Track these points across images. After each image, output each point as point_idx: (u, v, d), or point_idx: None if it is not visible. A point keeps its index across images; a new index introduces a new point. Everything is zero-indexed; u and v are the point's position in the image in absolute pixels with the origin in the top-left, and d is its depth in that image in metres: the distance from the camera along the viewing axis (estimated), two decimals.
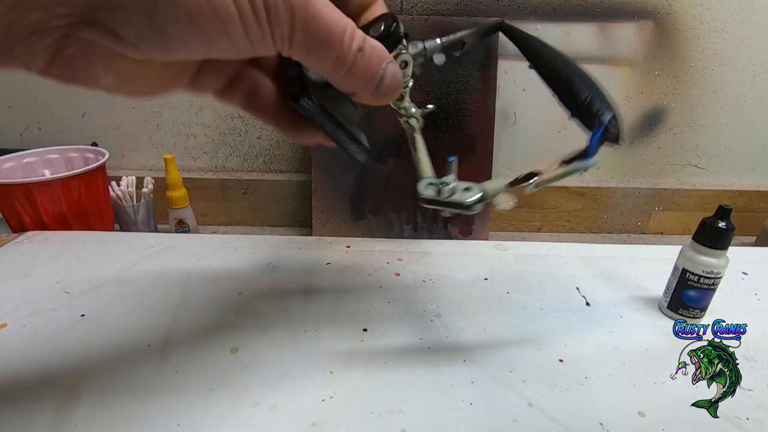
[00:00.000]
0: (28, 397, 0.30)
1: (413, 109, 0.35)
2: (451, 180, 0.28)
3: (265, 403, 0.30)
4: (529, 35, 0.45)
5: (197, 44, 0.18)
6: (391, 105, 0.34)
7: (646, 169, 0.75)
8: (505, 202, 0.29)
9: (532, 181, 0.30)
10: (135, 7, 0.16)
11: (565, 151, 0.74)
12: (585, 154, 0.30)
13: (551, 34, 0.65)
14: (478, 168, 0.64)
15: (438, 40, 0.46)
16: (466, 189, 0.29)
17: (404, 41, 0.28)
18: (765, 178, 0.76)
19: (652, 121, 0.71)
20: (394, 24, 0.24)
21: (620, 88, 0.68)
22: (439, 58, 0.46)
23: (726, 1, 0.64)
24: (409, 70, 0.29)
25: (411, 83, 0.31)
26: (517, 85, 0.68)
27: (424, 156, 0.33)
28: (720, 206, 0.36)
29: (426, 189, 0.29)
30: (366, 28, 0.24)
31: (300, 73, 0.24)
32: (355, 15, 0.25)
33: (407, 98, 0.35)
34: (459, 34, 0.49)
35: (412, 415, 0.30)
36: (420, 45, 0.43)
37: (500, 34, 0.46)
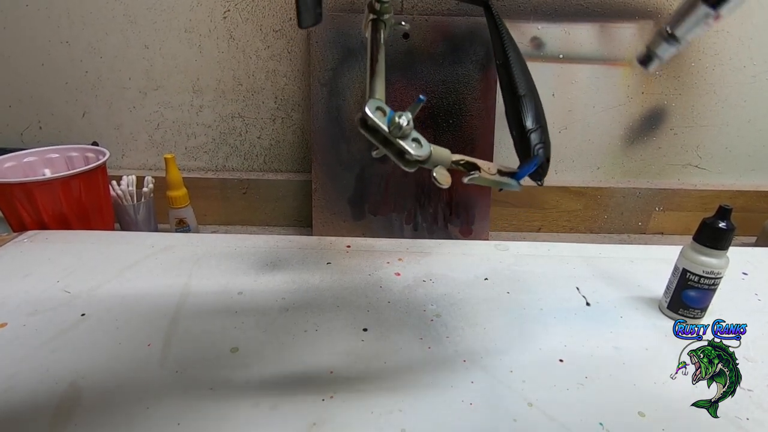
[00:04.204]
0: (28, 396, 0.30)
1: (388, 15, 0.33)
2: (408, 120, 0.25)
3: (265, 402, 0.30)
4: (510, 37, 0.45)
5: None
6: None
7: (646, 169, 0.75)
8: (444, 179, 0.27)
9: (472, 173, 0.29)
10: None
11: (564, 151, 0.74)
12: (514, 176, 0.32)
13: (552, 34, 0.65)
14: None
15: None
16: (416, 140, 0.25)
17: None
18: (765, 178, 0.76)
19: (652, 121, 0.71)
20: None
21: (621, 88, 0.68)
22: None
23: None
24: None
25: None
26: None
27: (381, 74, 0.29)
28: (720, 206, 0.36)
29: (375, 112, 0.25)
30: None
31: None
32: None
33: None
34: None
35: (412, 415, 0.30)
36: None
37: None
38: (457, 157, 0.29)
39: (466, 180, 0.30)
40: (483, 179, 0.30)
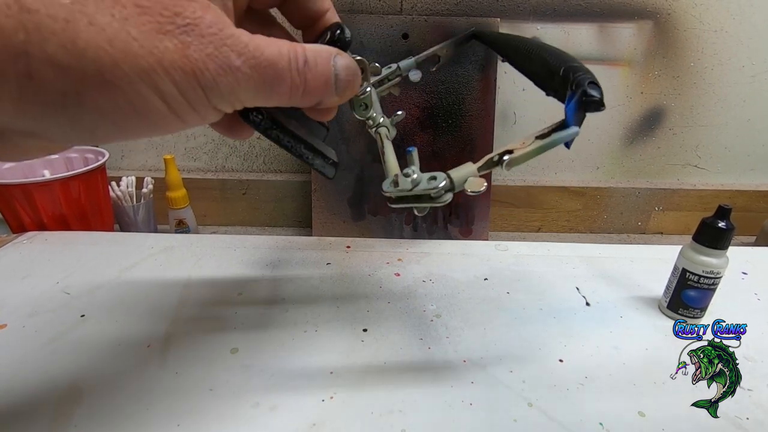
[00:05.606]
0: (28, 397, 0.30)
1: (381, 119, 0.34)
2: (413, 171, 0.26)
3: (265, 403, 0.30)
4: (502, 34, 0.44)
5: (130, 136, 0.18)
6: (356, 116, 0.32)
7: (645, 169, 0.75)
8: (477, 185, 0.26)
9: (505, 158, 0.26)
10: (58, 118, 0.16)
11: (564, 151, 0.74)
12: (563, 125, 0.27)
13: (551, 34, 0.65)
14: None
15: (412, 59, 0.46)
16: (432, 178, 0.26)
17: (371, 68, 0.27)
18: (765, 177, 0.76)
19: (651, 121, 0.71)
20: (338, 30, 0.24)
21: (620, 88, 0.68)
22: (414, 75, 0.46)
23: (726, 1, 0.64)
24: (367, 75, 0.27)
25: (369, 89, 0.29)
26: (517, 85, 0.68)
27: (391, 158, 0.31)
28: (720, 206, 0.36)
29: (390, 186, 0.27)
30: (317, 41, 0.25)
31: None
32: (307, 26, 0.25)
33: (374, 107, 0.33)
34: (432, 50, 0.50)
35: (412, 415, 0.30)
36: (394, 66, 0.43)
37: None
38: (482, 161, 0.27)
39: (505, 167, 0.27)
40: (524, 156, 0.27)
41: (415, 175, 0.26)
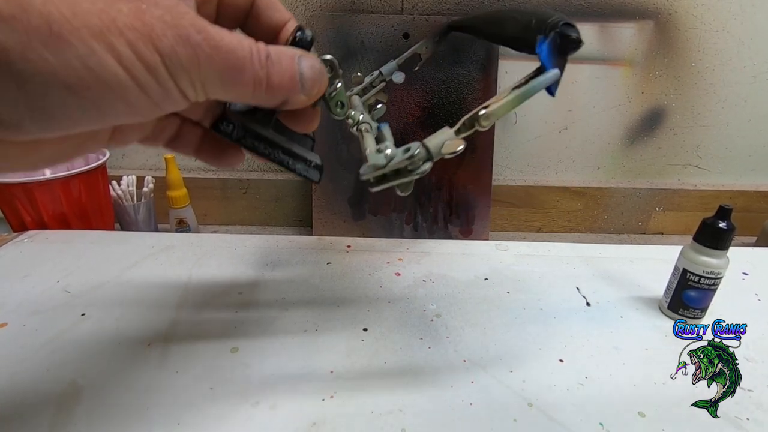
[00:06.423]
0: (28, 396, 0.30)
1: (361, 116, 0.33)
2: (386, 146, 0.25)
3: (265, 402, 0.31)
4: (475, 15, 0.44)
5: (91, 119, 0.16)
6: (335, 117, 0.31)
7: (646, 170, 0.75)
8: (453, 147, 0.25)
9: (481, 113, 0.25)
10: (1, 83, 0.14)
11: (565, 151, 0.74)
12: (541, 70, 0.26)
13: None
14: (478, 168, 0.64)
15: (393, 62, 0.46)
16: (406, 150, 0.26)
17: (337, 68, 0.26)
18: (765, 178, 0.76)
19: (652, 121, 0.71)
20: (298, 31, 0.23)
21: (621, 88, 0.68)
22: (398, 77, 0.46)
23: (727, 1, 0.64)
24: (336, 73, 0.26)
25: (339, 85, 0.28)
26: None
27: (371, 145, 0.29)
28: (720, 206, 0.36)
29: (366, 169, 0.26)
30: None
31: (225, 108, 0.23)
32: (269, 41, 0.24)
33: (356, 107, 0.32)
34: (411, 50, 0.50)
35: (412, 415, 0.30)
36: (375, 72, 0.43)
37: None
38: (458, 124, 0.27)
39: (482, 122, 0.25)
40: (501, 108, 0.25)
41: (388, 151, 0.25)
